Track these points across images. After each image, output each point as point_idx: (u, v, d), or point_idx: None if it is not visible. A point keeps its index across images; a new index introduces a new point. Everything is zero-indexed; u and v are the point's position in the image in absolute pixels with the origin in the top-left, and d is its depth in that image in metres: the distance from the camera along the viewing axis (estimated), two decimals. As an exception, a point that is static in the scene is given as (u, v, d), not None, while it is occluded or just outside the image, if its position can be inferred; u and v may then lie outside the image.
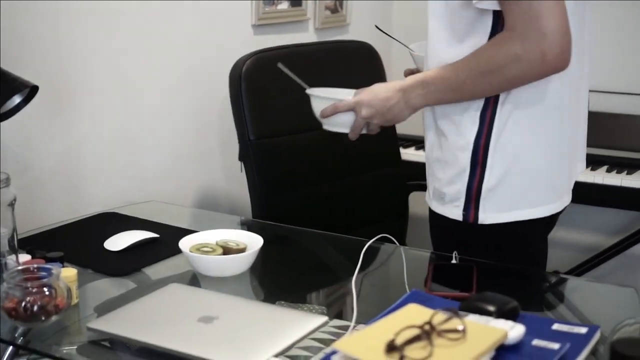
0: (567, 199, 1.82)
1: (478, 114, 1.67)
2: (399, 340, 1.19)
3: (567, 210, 1.86)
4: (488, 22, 1.63)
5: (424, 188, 2.86)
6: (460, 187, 1.72)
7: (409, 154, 2.96)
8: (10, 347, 1.48)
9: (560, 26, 1.52)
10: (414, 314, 1.30)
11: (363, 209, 2.42)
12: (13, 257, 1.62)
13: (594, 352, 1.32)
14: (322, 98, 1.83)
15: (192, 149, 2.58)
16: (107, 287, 1.71)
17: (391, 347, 1.18)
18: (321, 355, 1.33)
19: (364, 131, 1.83)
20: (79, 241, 1.90)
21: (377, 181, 2.51)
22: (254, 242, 1.77)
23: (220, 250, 1.74)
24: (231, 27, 2.67)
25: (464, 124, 1.69)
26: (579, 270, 3.04)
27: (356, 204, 2.30)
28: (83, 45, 2.19)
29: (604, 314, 1.50)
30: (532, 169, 1.70)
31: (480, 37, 1.64)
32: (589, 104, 1.90)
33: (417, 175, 2.79)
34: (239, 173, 2.57)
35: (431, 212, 1.83)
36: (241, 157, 2.32)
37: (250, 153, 2.28)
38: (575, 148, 1.84)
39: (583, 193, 2.75)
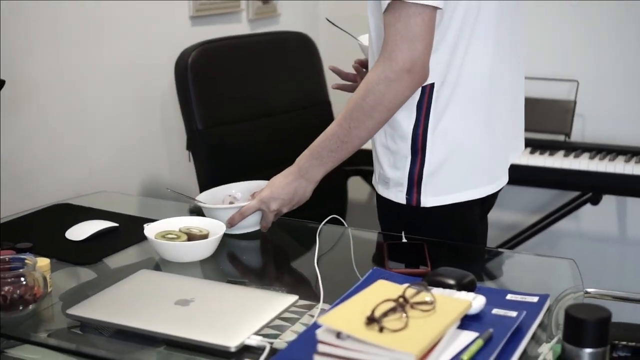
0: (504, 179, 1.94)
1: (415, 103, 1.76)
2: (377, 313, 1.29)
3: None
4: None
5: (359, 173, 2.99)
6: (402, 173, 1.82)
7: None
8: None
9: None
10: (385, 289, 1.39)
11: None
12: (-17, 249, 1.66)
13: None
14: (220, 209, 1.90)
15: (136, 139, 2.63)
16: (74, 275, 1.75)
17: (371, 320, 1.28)
18: (300, 329, 1.42)
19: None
20: (39, 232, 1.93)
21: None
22: (216, 228, 1.84)
23: (185, 237, 1.81)
24: (169, 19, 2.71)
25: (401, 114, 1.78)
26: (506, 246, 3.19)
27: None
28: (25, 40, 2.21)
29: (546, 284, 1.62)
30: (470, 153, 1.81)
31: None
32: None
33: (354, 161, 2.92)
34: (183, 162, 2.63)
35: (378, 195, 1.93)
36: (189, 147, 2.38)
37: (198, 142, 2.34)
38: (512, 132, 1.96)
39: (509, 174, 2.92)
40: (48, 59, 2.28)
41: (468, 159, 1.82)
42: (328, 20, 1.98)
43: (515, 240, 3.18)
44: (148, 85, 2.64)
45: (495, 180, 1.90)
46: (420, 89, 1.75)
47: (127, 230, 1.96)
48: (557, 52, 3.27)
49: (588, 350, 1.26)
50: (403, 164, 1.82)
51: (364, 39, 1.96)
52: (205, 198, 2.00)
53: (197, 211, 2.02)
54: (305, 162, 1.85)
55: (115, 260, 1.82)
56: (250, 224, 1.91)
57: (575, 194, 3.11)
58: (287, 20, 3.28)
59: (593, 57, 3.22)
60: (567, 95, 3.17)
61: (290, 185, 1.86)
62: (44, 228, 1.98)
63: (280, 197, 1.86)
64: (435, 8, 1.65)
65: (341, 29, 1.95)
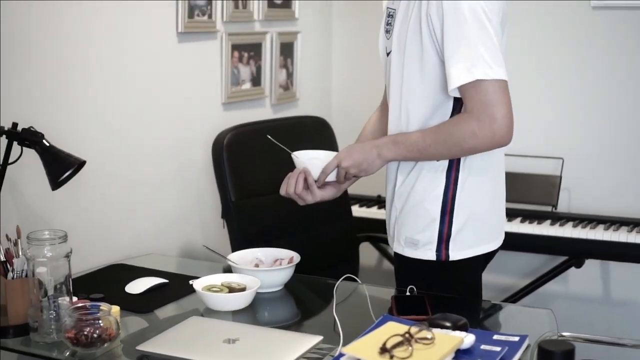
0: (502, 237, 2.32)
1: (444, 174, 2.13)
2: (388, 345, 1.65)
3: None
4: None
5: (369, 239, 3.34)
6: (432, 233, 2.16)
7: (357, 210, 3.43)
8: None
9: (507, 112, 1.98)
10: (394, 328, 1.75)
11: (323, 256, 2.86)
12: (65, 298, 2.01)
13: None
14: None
15: (175, 209, 2.98)
16: (136, 321, 2.10)
17: (383, 350, 1.64)
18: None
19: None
20: (104, 287, 2.28)
21: (334, 233, 2.98)
22: (251, 283, 2.20)
23: (227, 290, 2.17)
24: (205, 105, 3.10)
25: (435, 182, 2.14)
26: (500, 306, 3.52)
27: (317, 252, 2.73)
28: (85, 131, 2.60)
29: (528, 328, 1.93)
30: (483, 217, 2.19)
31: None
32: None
33: (365, 228, 3.30)
34: (215, 228, 3.01)
35: (400, 257, 2.24)
36: (223, 215, 2.76)
37: (232, 211, 2.71)
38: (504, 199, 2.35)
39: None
40: (102, 145, 2.64)
41: (484, 220, 2.20)
42: (269, 137, 2.33)
43: (510, 301, 3.50)
44: (186, 162, 3.01)
45: (499, 237, 2.29)
46: (447, 161, 2.11)
47: (175, 286, 2.32)
48: (544, 133, 3.63)
49: (557, 378, 1.61)
50: (432, 226, 2.16)
51: (299, 154, 2.27)
52: (235, 258, 2.37)
53: (228, 270, 2.38)
54: (383, 142, 2.12)
55: (168, 310, 2.18)
56: (277, 284, 2.27)
57: (562, 258, 3.44)
58: (304, 104, 3.67)
59: (577, 137, 3.58)
60: (554, 171, 3.52)
61: (364, 151, 2.13)
62: (107, 283, 2.33)
63: (352, 157, 2.13)
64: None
65: (280, 145, 2.29)
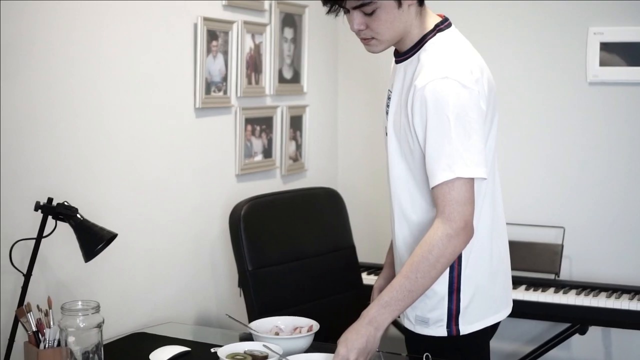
0: (511, 304, 2.41)
1: None
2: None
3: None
4: None
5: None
6: (441, 311, 2.23)
7: (366, 278, 3.51)
8: None
9: (473, 210, 2.08)
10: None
11: (335, 323, 2.92)
12: (97, 367, 2.08)
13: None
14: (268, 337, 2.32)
15: (191, 279, 3.06)
16: (162, 389, 2.18)
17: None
18: None
19: None
20: (127, 355, 2.35)
21: (345, 300, 3.06)
22: (273, 350, 2.28)
23: (250, 358, 2.24)
24: (220, 176, 3.21)
25: None
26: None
27: (330, 319, 2.78)
28: (107, 203, 2.70)
29: None
30: (490, 289, 2.27)
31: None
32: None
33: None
34: (232, 297, 3.08)
35: (412, 333, 2.31)
36: (240, 284, 2.84)
37: (248, 280, 2.80)
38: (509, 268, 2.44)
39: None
40: (123, 217, 2.73)
41: (491, 291, 2.28)
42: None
43: (515, 368, 3.58)
44: (202, 231, 3.10)
45: (507, 305, 2.38)
46: None
47: (197, 354, 2.39)
48: (546, 203, 3.75)
49: None
50: (442, 304, 2.24)
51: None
52: (256, 326, 2.44)
53: (246, 338, 2.45)
54: (374, 312, 2.10)
55: (192, 378, 2.25)
56: (298, 351, 2.30)
57: (565, 325, 3.52)
58: (312, 175, 3.79)
59: (578, 207, 3.69)
60: (555, 240, 3.63)
61: (359, 333, 2.09)
62: (131, 352, 2.40)
63: (355, 348, 2.07)
64: (482, 179, 2.11)
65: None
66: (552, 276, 3.55)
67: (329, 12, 2.17)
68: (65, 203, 2.15)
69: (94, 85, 2.60)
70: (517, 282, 3.46)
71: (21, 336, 2.17)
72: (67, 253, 2.40)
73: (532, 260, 3.57)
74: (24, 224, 2.28)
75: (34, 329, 2.13)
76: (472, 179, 2.08)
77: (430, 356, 2.23)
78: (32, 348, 2.11)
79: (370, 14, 2.11)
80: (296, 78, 3.65)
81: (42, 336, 2.11)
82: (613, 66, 3.58)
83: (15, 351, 2.18)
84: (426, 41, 2.18)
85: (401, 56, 2.24)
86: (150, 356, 2.36)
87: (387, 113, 2.30)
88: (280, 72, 3.51)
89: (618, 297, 3.30)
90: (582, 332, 3.40)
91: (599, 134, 3.65)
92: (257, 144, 3.38)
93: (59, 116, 2.49)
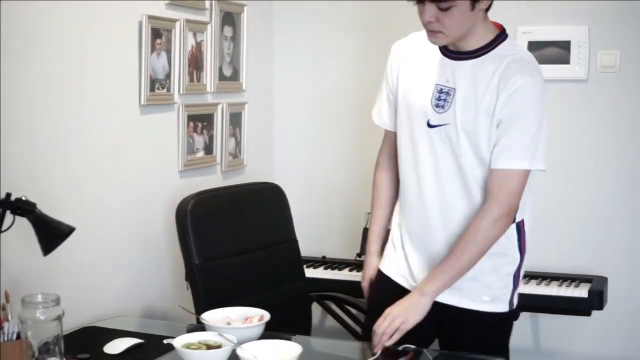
0: None
1: (514, 226, 2.45)
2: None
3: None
4: None
5: (323, 297, 3.50)
6: (507, 287, 2.51)
7: (307, 271, 3.60)
8: None
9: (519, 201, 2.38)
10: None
11: (279, 315, 3.00)
12: (54, 358, 2.11)
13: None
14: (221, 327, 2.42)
15: (138, 274, 3.11)
16: (119, 380, 2.22)
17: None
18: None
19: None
20: (81, 348, 2.37)
21: (289, 292, 3.14)
22: (225, 341, 2.34)
23: (205, 347, 2.31)
24: (163, 172, 3.26)
25: (509, 236, 2.44)
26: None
27: (273, 311, 2.87)
28: (52, 196, 2.72)
29: None
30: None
31: None
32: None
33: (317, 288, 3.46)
34: (177, 290, 3.13)
35: (462, 311, 2.46)
36: (187, 277, 2.90)
37: (196, 274, 2.86)
38: None
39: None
40: (69, 210, 2.75)
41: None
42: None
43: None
44: (147, 226, 3.15)
45: None
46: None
47: (151, 345, 2.45)
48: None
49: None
50: (508, 280, 2.50)
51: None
52: (207, 317, 2.51)
53: (194, 329, 2.50)
54: (426, 284, 2.38)
55: (148, 369, 2.31)
56: (249, 341, 2.34)
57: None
58: (251, 170, 3.86)
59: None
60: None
61: (406, 299, 2.38)
62: (85, 345, 2.43)
63: (398, 306, 2.36)
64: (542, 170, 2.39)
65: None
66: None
67: None
68: (23, 198, 2.18)
69: (46, 83, 2.63)
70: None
71: (-22, 330, 2.19)
72: (20, 248, 2.43)
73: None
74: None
75: (-8, 322, 2.15)
76: (529, 172, 2.36)
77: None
78: (-9, 341, 2.13)
79: (445, 10, 2.25)
80: (235, 76, 3.72)
81: (0, 330, 2.13)
82: (541, 64, 3.74)
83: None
84: (499, 43, 2.39)
85: (468, 54, 2.39)
86: (105, 349, 2.41)
87: (438, 107, 2.41)
88: (220, 70, 3.58)
89: (547, 284, 3.46)
90: (515, 317, 3.55)
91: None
92: (199, 140, 3.44)
93: (15, 115, 2.52)
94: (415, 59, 2.50)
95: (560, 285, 3.45)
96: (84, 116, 2.81)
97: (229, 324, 2.50)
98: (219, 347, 2.31)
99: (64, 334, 2.50)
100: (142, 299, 3.12)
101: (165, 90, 3.18)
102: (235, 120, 3.71)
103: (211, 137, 3.53)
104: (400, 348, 2.38)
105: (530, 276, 3.57)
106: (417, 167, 2.46)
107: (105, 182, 2.93)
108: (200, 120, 3.44)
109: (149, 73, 3.07)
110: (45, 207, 2.27)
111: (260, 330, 2.46)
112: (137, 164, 3.09)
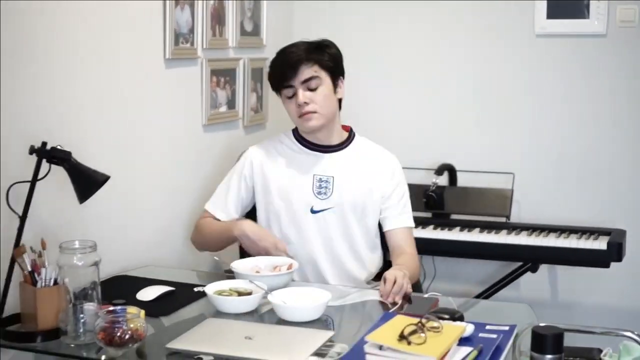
0: None
1: None
2: (405, 333, 1.87)
3: (448, 263, 2.67)
4: None
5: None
6: None
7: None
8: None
9: None
10: (404, 320, 1.97)
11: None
12: (90, 304, 2.15)
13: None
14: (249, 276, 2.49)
15: (165, 224, 3.15)
16: (153, 324, 2.26)
17: (402, 337, 1.86)
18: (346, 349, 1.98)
19: None
20: (115, 295, 2.42)
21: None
22: (257, 287, 2.39)
23: (236, 294, 2.36)
24: (188, 127, 3.29)
25: None
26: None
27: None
28: (87, 146, 2.76)
29: (511, 320, 2.14)
30: None
31: None
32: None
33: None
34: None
35: None
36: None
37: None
38: None
39: (463, 249, 3.54)
40: (103, 160, 2.76)
41: None
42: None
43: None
44: (173, 180, 3.19)
45: None
46: None
47: (182, 293, 2.50)
48: (496, 150, 3.94)
49: (549, 357, 1.85)
50: None
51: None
52: (237, 266, 2.55)
53: (223, 279, 2.54)
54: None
55: (179, 314, 2.35)
56: (277, 289, 2.42)
57: (516, 264, 3.73)
58: (273, 125, 3.89)
59: (526, 154, 3.90)
60: (505, 185, 3.82)
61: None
62: (118, 292, 2.47)
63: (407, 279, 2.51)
64: None
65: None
66: (503, 219, 3.74)
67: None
68: (59, 147, 2.21)
69: (75, 35, 2.64)
70: (470, 226, 3.65)
71: (17, 277, 2.24)
72: (55, 196, 2.47)
73: (484, 205, 3.77)
74: (15, 168, 2.34)
75: (30, 269, 2.19)
76: None
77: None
78: (29, 287, 2.17)
79: (314, 90, 2.70)
80: (256, 31, 3.73)
81: (37, 276, 2.18)
82: (560, 19, 3.75)
83: (11, 291, 2.24)
84: (353, 138, 2.87)
85: (333, 147, 2.82)
86: (137, 296, 2.45)
87: (320, 194, 2.77)
88: (241, 25, 3.59)
89: (567, 237, 3.50)
90: (534, 270, 3.61)
91: (546, 85, 3.84)
92: (222, 95, 3.47)
93: (50, 67, 2.55)
94: (281, 157, 2.84)
95: (579, 238, 3.49)
96: (112, 69, 2.82)
97: (258, 272, 2.54)
98: (249, 294, 2.36)
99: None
100: (172, 249, 3.17)
101: (189, 45, 3.20)
102: (257, 75, 3.73)
103: (233, 92, 3.55)
104: (426, 295, 2.43)
105: (550, 229, 3.61)
106: (304, 245, 2.78)
107: (133, 133, 2.95)
108: (223, 75, 3.46)
109: (173, 27, 3.08)
110: (78, 157, 2.31)
111: (288, 278, 2.51)
112: (163, 118, 3.11)
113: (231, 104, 3.54)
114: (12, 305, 2.27)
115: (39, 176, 2.20)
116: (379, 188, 2.80)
